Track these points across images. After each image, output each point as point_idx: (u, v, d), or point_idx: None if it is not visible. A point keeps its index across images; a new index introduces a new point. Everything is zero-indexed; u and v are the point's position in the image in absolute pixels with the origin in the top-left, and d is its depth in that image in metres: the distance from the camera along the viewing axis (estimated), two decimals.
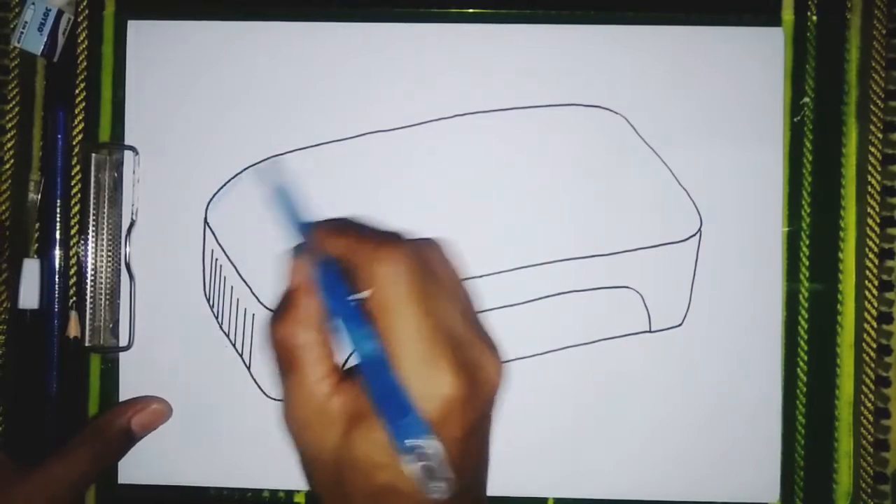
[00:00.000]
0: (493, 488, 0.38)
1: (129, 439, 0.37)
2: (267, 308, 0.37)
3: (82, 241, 0.39)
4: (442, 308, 0.29)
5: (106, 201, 0.39)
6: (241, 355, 0.39)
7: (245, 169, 0.39)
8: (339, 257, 0.31)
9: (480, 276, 0.37)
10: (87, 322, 0.38)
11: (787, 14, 0.39)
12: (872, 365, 0.38)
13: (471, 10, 0.39)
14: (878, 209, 0.39)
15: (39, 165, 0.40)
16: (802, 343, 0.39)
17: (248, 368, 0.38)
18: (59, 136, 0.39)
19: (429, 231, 0.38)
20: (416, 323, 0.28)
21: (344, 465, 0.28)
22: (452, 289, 0.30)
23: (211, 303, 0.39)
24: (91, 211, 0.39)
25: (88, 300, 0.39)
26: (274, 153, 0.39)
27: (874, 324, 0.38)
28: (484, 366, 0.29)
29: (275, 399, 0.39)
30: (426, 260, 0.30)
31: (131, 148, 0.39)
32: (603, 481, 0.38)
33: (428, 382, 0.28)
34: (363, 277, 0.29)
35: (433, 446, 0.27)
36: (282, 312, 0.30)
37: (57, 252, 0.39)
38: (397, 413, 0.27)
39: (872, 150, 0.39)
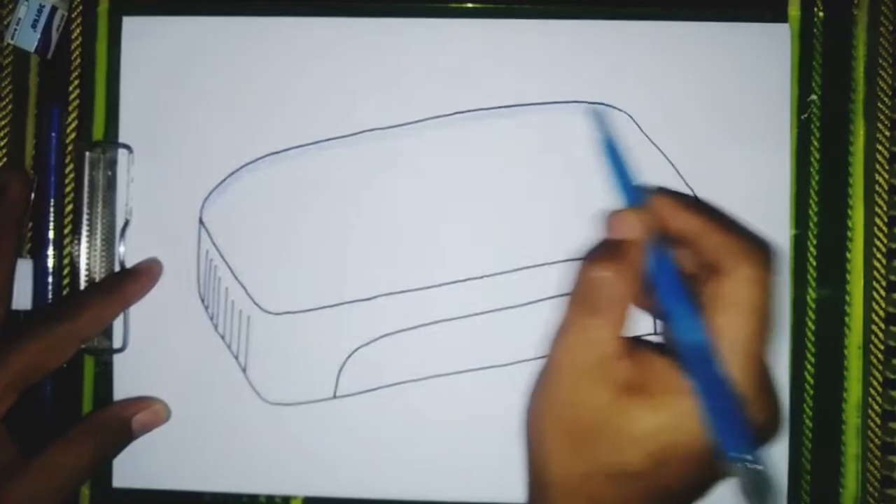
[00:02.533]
0: (493, 492, 0.38)
1: (127, 436, 0.37)
2: (263, 310, 0.37)
3: (76, 241, 0.39)
4: (771, 334, 0.28)
5: (100, 200, 0.39)
6: (236, 358, 0.38)
7: (241, 167, 0.38)
8: (682, 233, 0.29)
9: (483, 277, 0.37)
10: None
11: (794, 10, 0.39)
12: (880, 367, 0.38)
13: (470, 6, 0.39)
14: (885, 208, 0.38)
15: (32, 164, 0.39)
16: (809, 345, 0.38)
17: (244, 371, 0.38)
18: (53, 133, 0.39)
19: (428, 231, 0.38)
20: (755, 338, 0.27)
21: (599, 430, 0.27)
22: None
23: (206, 304, 0.39)
24: (85, 210, 0.38)
25: None
26: (270, 151, 0.38)
27: (882, 325, 0.38)
28: (776, 406, 0.29)
29: (271, 402, 0.38)
30: (775, 277, 0.29)
31: (125, 146, 0.39)
32: None
33: (750, 403, 0.27)
34: (712, 266, 0.28)
35: (763, 467, 0.26)
36: (607, 254, 0.29)
37: (50, 252, 0.39)
38: (729, 414, 0.26)
39: (880, 147, 0.38)
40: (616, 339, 0.28)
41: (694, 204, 0.31)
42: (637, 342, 0.29)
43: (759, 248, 0.28)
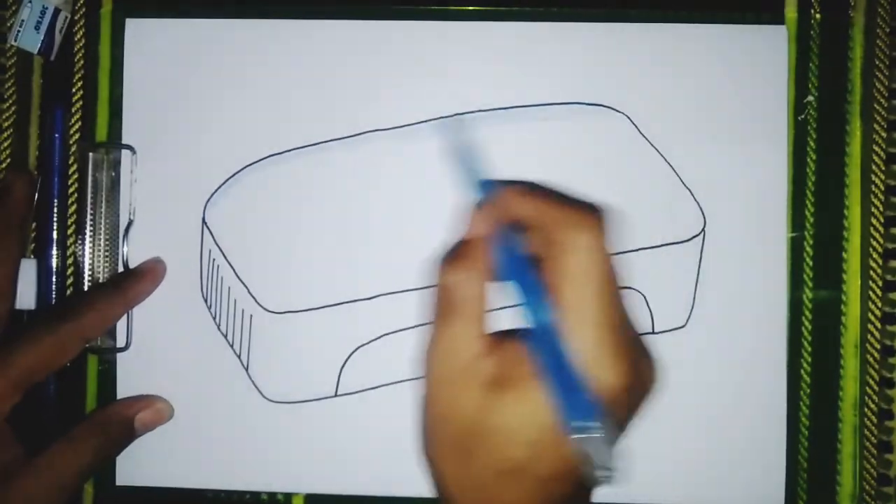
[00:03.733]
0: None
1: (130, 435, 0.37)
2: (265, 309, 0.37)
3: (79, 241, 0.39)
4: (619, 294, 0.28)
5: (103, 201, 0.39)
6: (238, 356, 0.38)
7: (244, 168, 0.39)
8: (526, 219, 0.30)
9: None
10: None
11: (791, 12, 0.39)
12: (876, 366, 0.38)
13: (472, 8, 0.39)
14: (882, 208, 0.38)
15: (36, 164, 0.40)
16: (806, 344, 0.38)
17: (247, 369, 0.38)
18: (57, 134, 0.39)
19: (427, 230, 0.38)
20: (599, 302, 0.27)
21: (477, 432, 0.28)
22: (621, 278, 0.29)
23: (209, 303, 0.39)
24: (88, 210, 0.38)
25: None
26: (272, 152, 0.39)
27: (878, 325, 0.38)
28: (645, 362, 0.29)
29: (273, 401, 0.38)
30: (612, 238, 0.29)
31: (129, 147, 0.39)
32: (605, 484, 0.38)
33: (597, 367, 0.27)
34: (547, 242, 0.28)
35: (606, 431, 0.26)
36: (456, 258, 0.30)
37: (54, 252, 0.39)
38: (570, 389, 0.26)
39: (876, 148, 0.39)
40: (478, 338, 0.29)
41: (534, 189, 0.31)
42: (501, 336, 0.29)
43: (586, 216, 0.28)
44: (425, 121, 0.38)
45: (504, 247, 0.30)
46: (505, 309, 0.30)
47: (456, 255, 0.30)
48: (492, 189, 0.31)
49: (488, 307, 0.29)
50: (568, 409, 0.26)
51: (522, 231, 0.30)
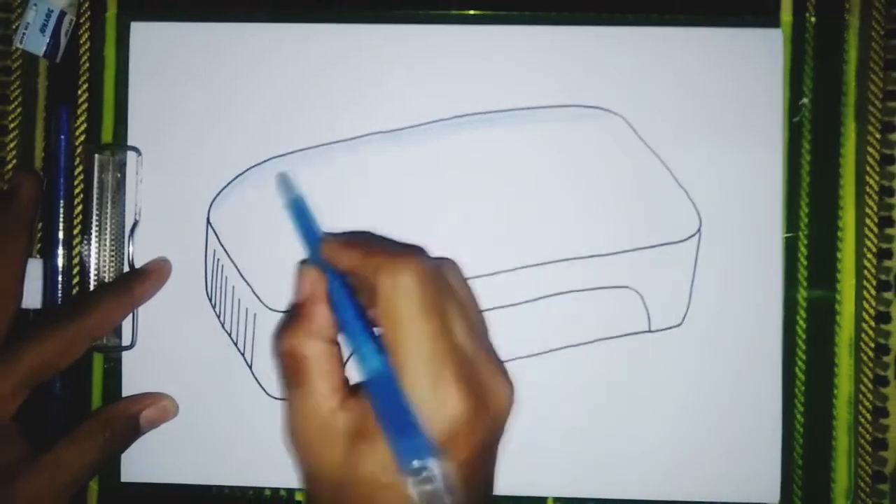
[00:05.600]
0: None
1: (135, 432, 0.37)
2: (268, 308, 0.37)
3: (85, 241, 0.39)
4: (453, 326, 0.28)
5: (109, 201, 0.39)
6: (242, 354, 0.39)
7: (248, 169, 0.39)
8: (348, 270, 0.30)
9: (479, 277, 0.37)
10: None
11: (786, 15, 0.39)
12: (871, 364, 0.38)
13: (471, 12, 0.39)
14: (876, 209, 0.39)
15: (42, 166, 0.40)
16: (801, 342, 0.39)
17: (250, 367, 0.39)
18: (62, 136, 0.39)
19: (427, 231, 0.38)
20: (424, 339, 0.27)
21: (345, 484, 0.28)
22: (464, 308, 0.29)
23: (213, 302, 0.39)
24: (94, 211, 0.39)
25: None
26: (276, 154, 0.39)
27: (872, 323, 0.38)
28: (494, 389, 0.28)
29: (277, 398, 0.39)
30: (438, 275, 0.29)
31: (134, 149, 0.39)
32: (602, 481, 0.38)
33: (435, 402, 0.27)
34: (371, 290, 0.28)
35: (439, 468, 0.26)
36: (291, 323, 0.30)
37: (60, 252, 0.39)
38: (403, 432, 0.26)
39: (871, 150, 0.39)
40: (331, 395, 0.28)
41: (353, 239, 0.31)
42: (359, 387, 0.29)
43: (400, 259, 0.28)
44: (424, 123, 0.39)
45: (336, 300, 0.30)
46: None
47: (292, 318, 0.30)
48: (318, 244, 0.32)
49: (337, 363, 0.29)
50: (403, 452, 0.26)
51: (350, 280, 0.30)
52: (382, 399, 0.27)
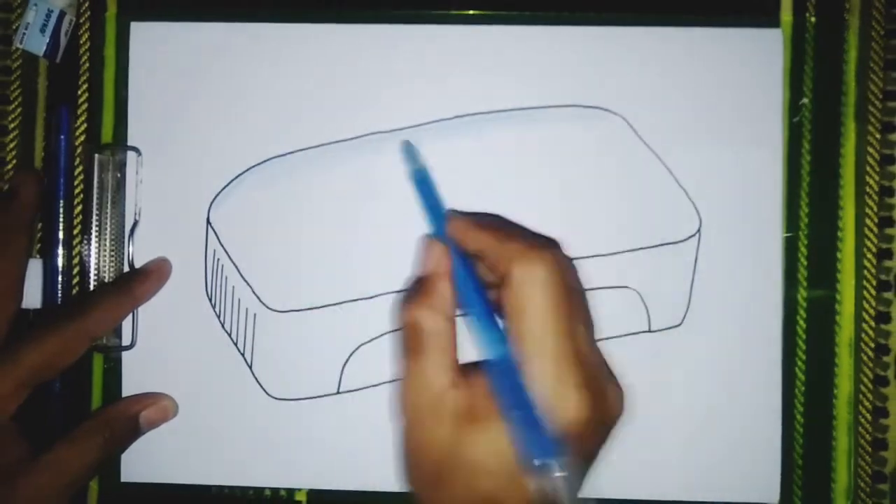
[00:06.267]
0: None
1: (135, 432, 0.37)
2: (268, 308, 0.37)
3: (85, 241, 0.39)
4: (577, 325, 0.28)
5: (109, 201, 0.39)
6: (242, 354, 0.39)
7: (248, 169, 0.39)
8: (477, 252, 0.30)
9: None
10: None
11: (786, 15, 0.39)
12: (871, 364, 0.38)
13: (471, 12, 0.39)
14: (876, 209, 0.39)
15: (42, 166, 0.40)
16: (801, 342, 0.39)
17: (250, 367, 0.39)
18: (62, 136, 0.39)
19: (427, 231, 0.38)
20: (553, 335, 0.27)
21: (449, 463, 0.28)
22: (584, 308, 0.29)
23: (213, 302, 0.39)
24: (94, 211, 0.39)
25: None
26: (276, 154, 0.39)
27: (872, 323, 0.38)
28: (608, 392, 0.28)
29: (277, 398, 0.39)
30: (571, 272, 0.29)
31: (134, 149, 0.39)
32: (601, 481, 0.38)
33: (556, 401, 0.27)
34: (500, 276, 0.28)
35: (565, 468, 0.26)
36: (416, 295, 0.30)
37: (60, 252, 0.39)
38: (529, 427, 0.26)
39: (871, 150, 0.39)
40: (447, 371, 0.29)
41: (486, 221, 0.31)
42: (469, 368, 0.29)
43: (532, 248, 0.28)
44: (425, 123, 0.39)
45: (461, 280, 0.30)
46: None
47: (416, 291, 0.30)
48: (443, 220, 0.32)
49: (454, 341, 0.29)
50: (528, 447, 0.26)
51: (475, 263, 0.30)
52: (505, 387, 0.27)
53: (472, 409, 0.28)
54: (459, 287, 0.30)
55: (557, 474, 0.26)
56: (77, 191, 0.39)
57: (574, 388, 0.27)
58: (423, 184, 0.33)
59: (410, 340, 0.29)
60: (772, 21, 0.39)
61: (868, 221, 0.39)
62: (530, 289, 0.28)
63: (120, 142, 0.39)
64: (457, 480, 0.28)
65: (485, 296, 0.30)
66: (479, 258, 0.30)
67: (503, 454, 0.27)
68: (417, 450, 0.29)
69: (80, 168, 0.39)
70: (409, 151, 0.35)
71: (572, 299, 0.28)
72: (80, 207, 0.39)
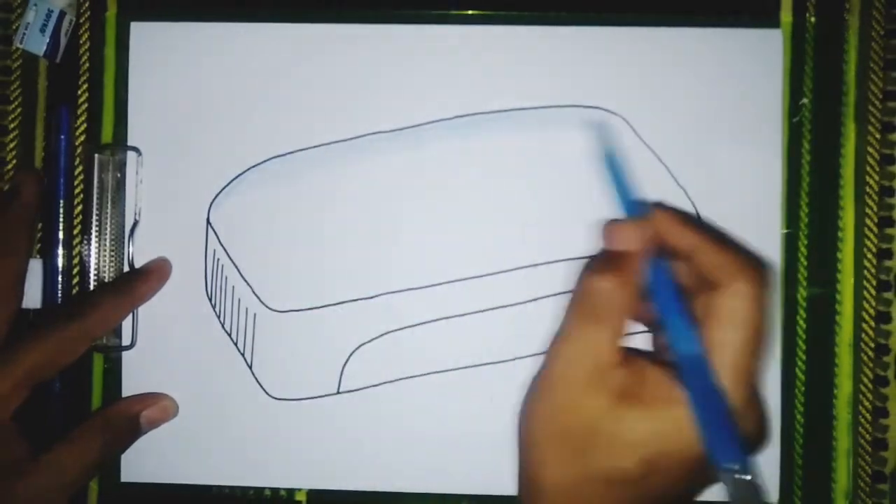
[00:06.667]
0: (493, 487, 0.38)
1: (135, 432, 0.37)
2: (269, 308, 0.37)
3: (85, 241, 0.39)
4: (763, 348, 0.29)
5: (109, 201, 0.39)
6: (242, 354, 0.39)
7: (248, 169, 0.39)
8: (680, 249, 0.30)
9: (480, 276, 0.38)
10: None
11: (786, 15, 0.39)
12: (871, 364, 0.38)
13: (470, 12, 0.39)
14: (876, 209, 0.39)
15: (42, 166, 0.40)
16: (801, 342, 0.39)
17: (250, 367, 0.39)
18: (62, 136, 0.39)
19: (428, 230, 0.38)
20: (745, 352, 0.28)
21: (596, 434, 0.28)
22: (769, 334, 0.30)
23: (213, 302, 0.39)
24: (94, 211, 0.39)
25: None
26: (276, 154, 0.39)
27: (872, 323, 0.38)
28: (762, 417, 0.29)
29: (277, 398, 0.39)
30: (772, 293, 0.29)
31: (134, 149, 0.39)
32: None
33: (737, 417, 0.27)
34: (713, 283, 0.28)
35: (756, 471, 0.26)
36: (609, 266, 0.29)
37: (60, 252, 0.39)
38: (721, 430, 0.27)
39: (871, 150, 0.39)
40: (614, 347, 0.29)
41: (692, 220, 0.31)
42: (633, 352, 0.29)
43: (754, 266, 0.29)
44: (424, 123, 0.39)
45: (657, 268, 0.30)
46: (641, 330, 0.31)
47: (607, 262, 0.30)
48: (643, 206, 0.31)
49: (628, 320, 0.29)
50: (718, 448, 0.27)
51: (670, 258, 0.30)
52: (697, 384, 0.27)
53: (635, 391, 0.28)
54: (652, 276, 0.30)
55: (748, 477, 0.26)
56: (77, 191, 0.39)
57: (746, 405, 0.28)
58: (614, 166, 0.32)
59: (591, 306, 0.29)
60: (772, 21, 0.39)
61: (868, 221, 0.39)
62: (740, 302, 0.28)
63: (120, 142, 0.39)
64: (599, 454, 0.28)
65: (678, 292, 0.29)
66: (681, 256, 0.30)
67: (657, 442, 0.27)
68: (562, 410, 0.29)
69: (80, 168, 0.39)
70: (601, 130, 0.35)
71: (766, 324, 0.29)
72: (80, 207, 0.39)
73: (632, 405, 0.28)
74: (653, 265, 0.30)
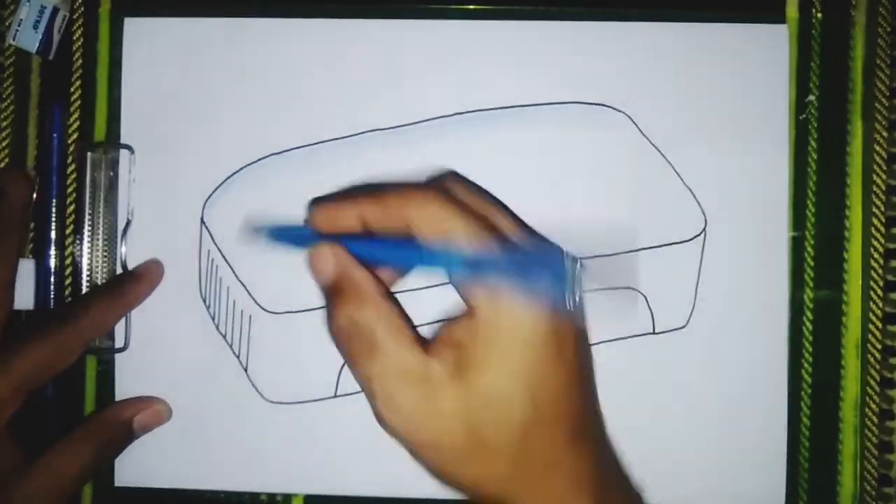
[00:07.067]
0: None
1: (128, 437, 0.37)
2: (264, 309, 0.37)
3: (77, 241, 0.39)
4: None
5: (101, 201, 0.39)
6: (237, 357, 0.38)
7: (242, 168, 0.39)
8: (361, 221, 0.30)
9: None
10: None
11: (792, 11, 0.39)
12: (877, 366, 0.38)
13: (472, 7, 0.39)
14: (883, 208, 0.39)
15: (34, 164, 0.40)
16: (807, 344, 0.38)
17: (246, 371, 0.38)
18: (55, 134, 0.39)
19: None
20: (470, 232, 0.28)
21: (467, 422, 0.27)
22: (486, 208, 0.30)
23: (207, 304, 0.39)
24: (86, 210, 0.38)
25: None
26: (271, 151, 0.39)
27: (879, 325, 0.38)
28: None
29: (272, 401, 0.38)
30: (449, 188, 0.30)
31: (127, 147, 0.39)
32: None
33: None
34: (402, 223, 0.29)
35: (577, 262, 0.27)
36: (333, 304, 0.29)
37: (52, 252, 0.39)
38: (534, 265, 0.27)
39: (878, 148, 0.39)
40: (412, 347, 0.28)
41: (341, 195, 0.33)
42: (425, 335, 0.29)
43: (415, 188, 0.30)
44: (424, 120, 0.38)
45: (364, 250, 0.30)
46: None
47: (333, 298, 0.29)
48: (309, 234, 0.31)
49: (400, 317, 0.29)
50: (543, 276, 0.26)
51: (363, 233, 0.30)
52: (493, 269, 0.27)
53: (457, 362, 0.28)
54: (373, 254, 0.30)
55: (576, 266, 0.27)
56: (70, 190, 0.39)
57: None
58: (278, 234, 0.34)
59: (358, 344, 0.29)
60: (778, 17, 0.39)
61: (875, 221, 0.39)
62: (424, 210, 0.29)
63: (113, 140, 0.39)
64: (490, 431, 0.27)
65: (396, 241, 0.29)
66: (367, 230, 0.30)
67: (511, 378, 0.27)
68: (435, 440, 0.28)
69: (73, 167, 0.39)
70: (252, 232, 0.36)
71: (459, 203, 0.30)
72: (72, 207, 0.39)
73: (465, 373, 0.28)
74: (359, 249, 0.30)
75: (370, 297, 0.29)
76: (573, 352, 0.29)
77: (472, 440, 0.28)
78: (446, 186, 0.30)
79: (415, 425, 0.28)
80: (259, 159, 0.38)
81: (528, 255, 0.28)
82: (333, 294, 0.30)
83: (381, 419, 0.29)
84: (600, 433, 0.32)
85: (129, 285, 0.38)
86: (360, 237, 0.30)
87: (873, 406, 0.38)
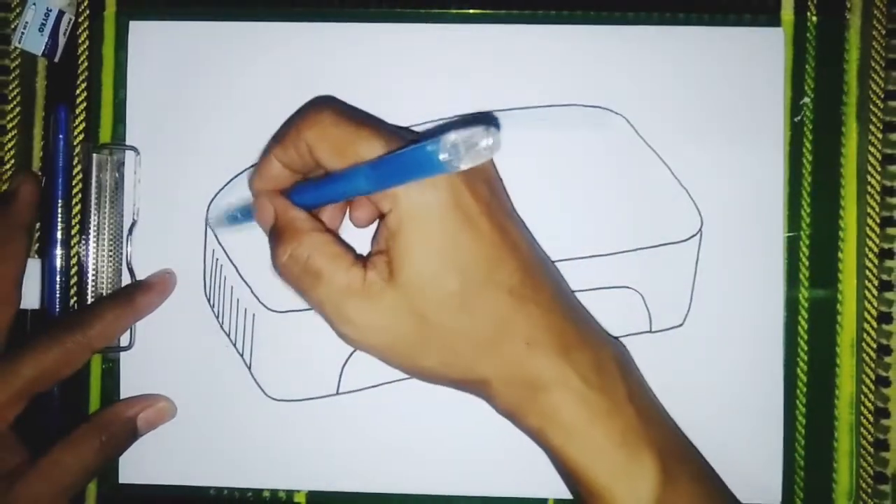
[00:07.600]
0: (493, 488, 0.38)
1: (132, 435, 0.37)
2: (268, 308, 0.37)
3: (83, 241, 0.39)
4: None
5: (107, 201, 0.39)
6: (241, 355, 0.39)
7: (247, 169, 0.39)
8: (290, 168, 0.32)
9: None
10: None
11: (787, 14, 0.39)
12: (872, 365, 0.38)
13: (471, 11, 0.39)
14: (877, 209, 0.39)
15: (40, 165, 0.40)
16: (802, 343, 0.39)
17: (249, 368, 0.38)
18: (61, 135, 0.39)
19: None
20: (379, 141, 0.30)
21: (419, 309, 0.29)
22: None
23: (212, 303, 0.39)
24: (92, 211, 0.39)
25: (89, 300, 0.39)
26: None
27: (874, 324, 0.38)
28: None
29: (276, 399, 0.38)
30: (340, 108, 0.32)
31: (132, 148, 0.39)
32: None
33: None
34: (307, 158, 0.31)
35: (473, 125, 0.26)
36: (276, 245, 0.31)
37: (58, 252, 0.39)
38: (406, 157, 0.27)
39: (872, 150, 0.39)
40: (352, 268, 0.30)
41: (264, 153, 0.34)
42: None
43: (310, 108, 0.31)
44: (425, 122, 0.39)
45: (304, 188, 0.32)
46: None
47: (272, 242, 0.32)
48: (249, 207, 0.34)
49: (338, 241, 0.31)
50: (424, 150, 0.26)
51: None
52: (387, 174, 0.28)
53: (389, 263, 0.30)
54: (321, 195, 0.31)
55: (476, 131, 0.25)
56: (75, 191, 0.39)
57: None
58: (233, 220, 0.37)
59: (302, 278, 0.31)
60: (773, 20, 0.39)
61: (870, 221, 0.39)
62: (319, 129, 0.31)
63: (118, 141, 0.39)
64: (435, 318, 0.30)
65: (321, 180, 0.31)
66: (296, 173, 0.33)
67: (437, 264, 0.29)
68: (394, 337, 0.30)
69: (79, 168, 0.39)
70: (213, 226, 0.39)
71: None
72: (78, 207, 0.39)
73: (393, 281, 0.30)
74: (306, 191, 0.32)
75: (305, 232, 0.31)
76: (484, 212, 0.30)
77: (423, 330, 0.30)
78: (329, 106, 0.32)
79: (371, 332, 0.30)
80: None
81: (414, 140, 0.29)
82: (276, 237, 0.32)
83: (341, 336, 0.31)
84: (552, 284, 0.32)
85: (140, 295, 0.38)
86: (295, 187, 0.32)
87: (868, 404, 0.38)
